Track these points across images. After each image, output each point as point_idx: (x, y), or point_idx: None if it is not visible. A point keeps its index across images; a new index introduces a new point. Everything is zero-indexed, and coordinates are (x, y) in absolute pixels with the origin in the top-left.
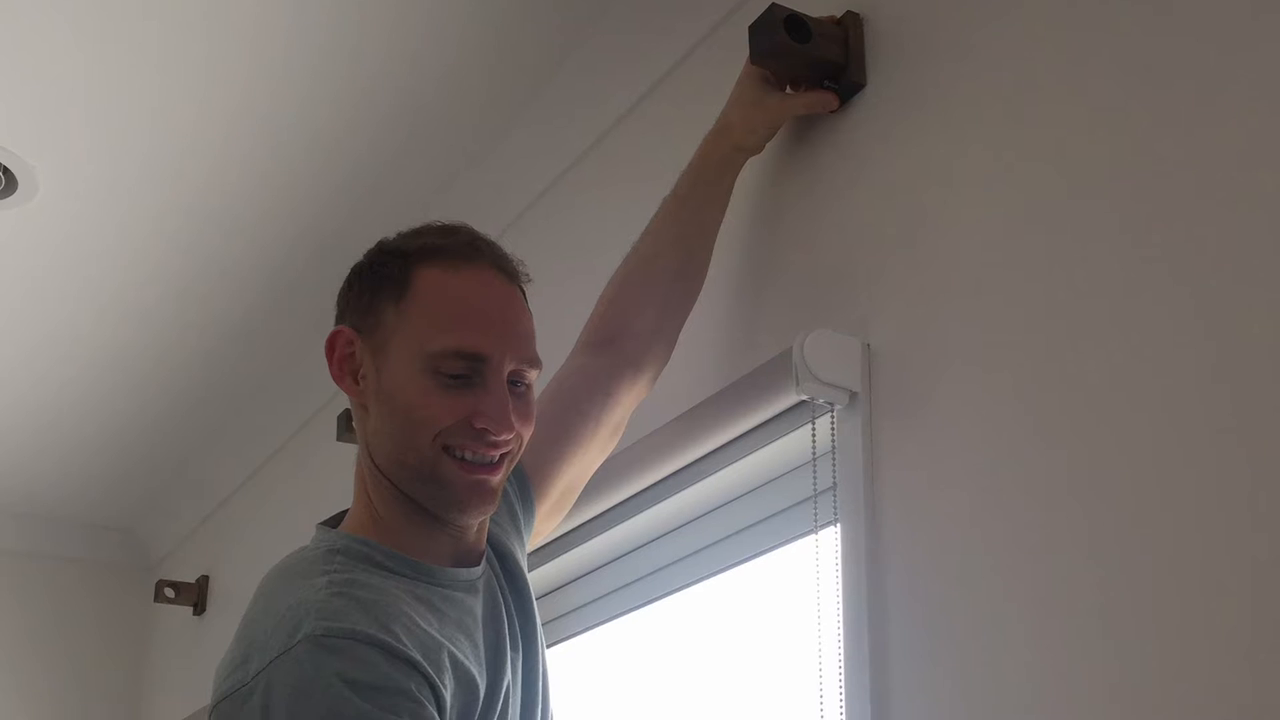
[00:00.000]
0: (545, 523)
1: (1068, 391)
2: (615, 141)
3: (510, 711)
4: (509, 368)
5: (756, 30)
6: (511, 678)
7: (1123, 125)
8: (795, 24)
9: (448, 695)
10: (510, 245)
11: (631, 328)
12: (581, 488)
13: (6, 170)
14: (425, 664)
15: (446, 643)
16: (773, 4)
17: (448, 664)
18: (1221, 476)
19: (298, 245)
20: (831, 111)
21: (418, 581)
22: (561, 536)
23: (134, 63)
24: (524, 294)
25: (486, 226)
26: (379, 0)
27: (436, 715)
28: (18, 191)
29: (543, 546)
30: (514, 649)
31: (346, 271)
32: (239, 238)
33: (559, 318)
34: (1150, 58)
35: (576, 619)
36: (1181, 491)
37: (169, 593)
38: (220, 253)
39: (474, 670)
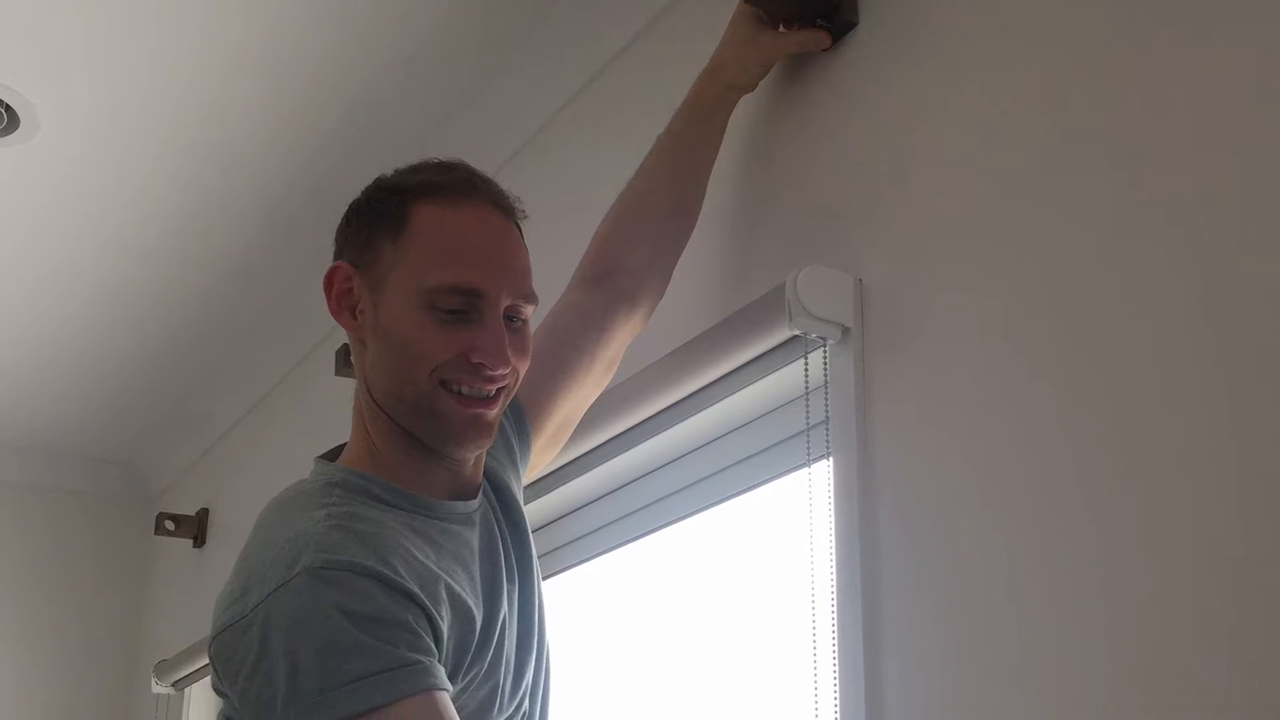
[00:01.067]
0: (541, 456)
1: (1057, 326)
2: (610, 80)
3: (506, 643)
4: (505, 303)
5: None
6: (508, 610)
7: (1115, 63)
8: None
9: (444, 627)
10: (506, 182)
11: (626, 263)
12: (577, 422)
13: (8, 108)
14: (422, 596)
15: (444, 575)
16: None
17: (445, 596)
18: (1209, 409)
19: (296, 182)
20: (824, 50)
21: (415, 514)
22: (557, 470)
23: (134, 2)
24: (520, 230)
25: (483, 164)
26: None
27: (433, 646)
28: (19, 129)
29: (539, 480)
30: (510, 581)
31: (344, 208)
32: (238, 175)
33: (555, 254)
34: None
35: (572, 551)
36: (1169, 424)
37: (169, 525)
38: (219, 190)
39: (471, 602)
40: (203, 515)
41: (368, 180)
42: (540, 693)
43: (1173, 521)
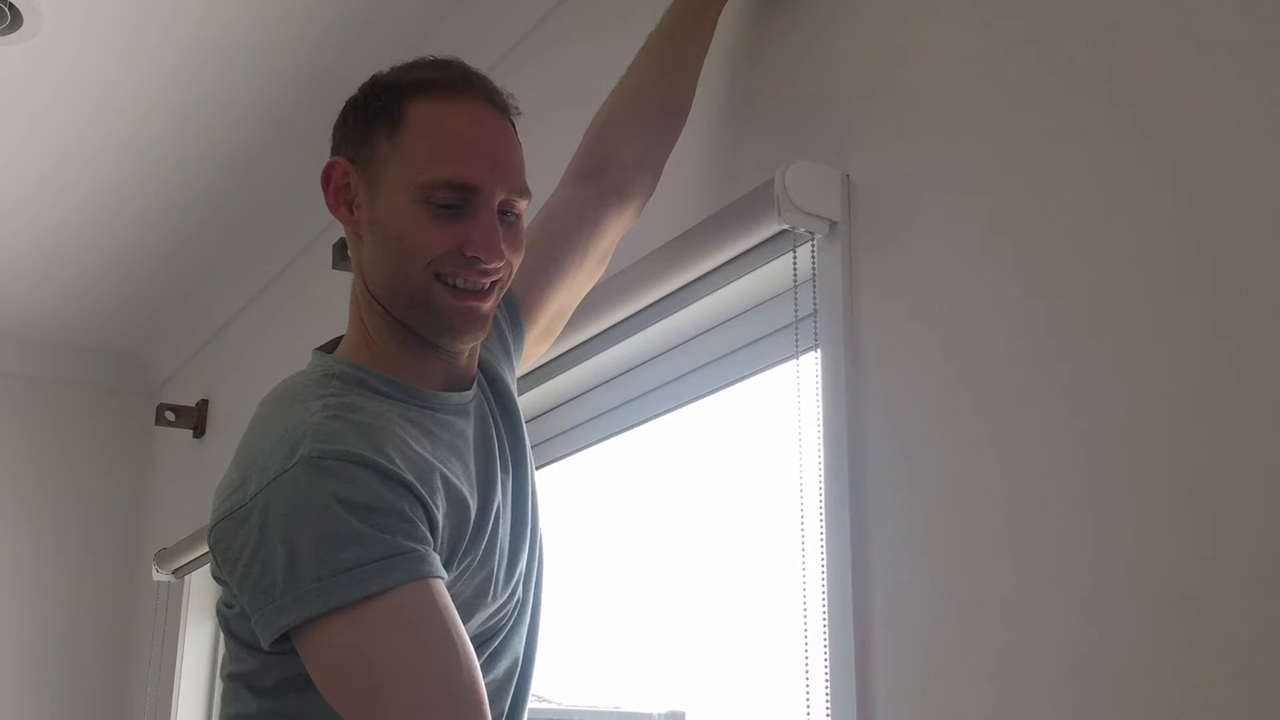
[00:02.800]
0: (534, 348)
1: (1042, 221)
2: None
3: (500, 531)
4: (499, 198)
5: None
6: (502, 499)
7: None
8: None
9: (440, 516)
10: (500, 79)
11: (618, 158)
12: (570, 314)
13: (11, 7)
14: (418, 485)
15: (439, 464)
16: None
17: (440, 485)
18: (1195, 304)
19: (294, 79)
20: None
21: (410, 405)
22: (550, 361)
23: None
24: (514, 126)
25: (478, 61)
26: None
27: (429, 535)
28: (23, 27)
29: (532, 371)
30: (504, 471)
31: (342, 105)
32: (237, 72)
33: (548, 150)
34: None
35: (565, 441)
36: (1154, 316)
37: (169, 416)
38: (219, 86)
39: (465, 491)
40: (202, 406)
41: (365, 77)
42: (534, 580)
43: (1159, 414)
